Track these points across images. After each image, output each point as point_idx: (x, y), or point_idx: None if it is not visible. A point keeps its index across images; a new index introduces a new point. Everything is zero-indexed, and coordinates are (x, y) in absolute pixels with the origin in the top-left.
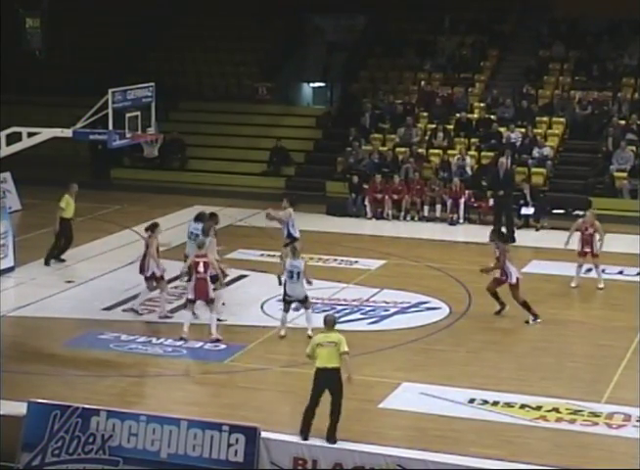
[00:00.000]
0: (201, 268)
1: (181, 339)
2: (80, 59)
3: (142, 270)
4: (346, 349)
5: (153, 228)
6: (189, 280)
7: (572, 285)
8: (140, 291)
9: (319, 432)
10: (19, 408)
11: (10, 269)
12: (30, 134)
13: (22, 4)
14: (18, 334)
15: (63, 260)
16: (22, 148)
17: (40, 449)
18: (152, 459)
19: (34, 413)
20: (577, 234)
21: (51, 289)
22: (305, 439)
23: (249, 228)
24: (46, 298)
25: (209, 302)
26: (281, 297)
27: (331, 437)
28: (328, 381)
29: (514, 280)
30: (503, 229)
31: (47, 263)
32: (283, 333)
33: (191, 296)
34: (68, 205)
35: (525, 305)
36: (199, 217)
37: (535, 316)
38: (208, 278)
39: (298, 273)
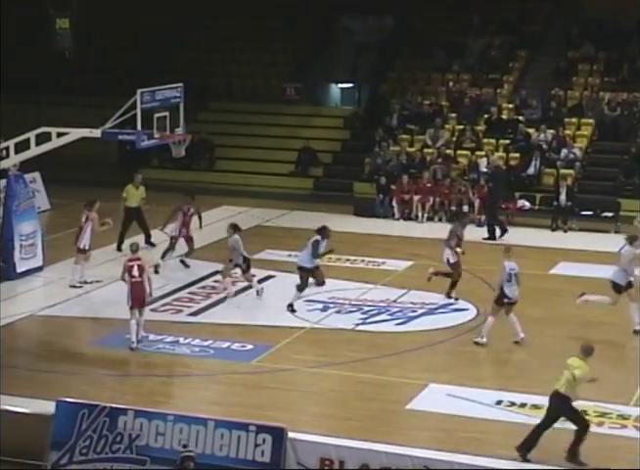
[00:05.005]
0: (135, 272)
1: (131, 349)
2: (109, 59)
3: (76, 242)
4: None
5: (92, 204)
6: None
7: None
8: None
9: (346, 433)
10: (47, 407)
11: (38, 269)
12: (60, 134)
13: (52, 5)
14: (46, 333)
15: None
16: (51, 148)
17: (68, 448)
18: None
19: (63, 412)
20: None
21: (79, 289)
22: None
23: (276, 229)
24: (74, 297)
25: (144, 306)
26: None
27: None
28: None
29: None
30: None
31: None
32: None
33: (131, 303)
34: None
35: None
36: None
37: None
38: (144, 282)
39: None
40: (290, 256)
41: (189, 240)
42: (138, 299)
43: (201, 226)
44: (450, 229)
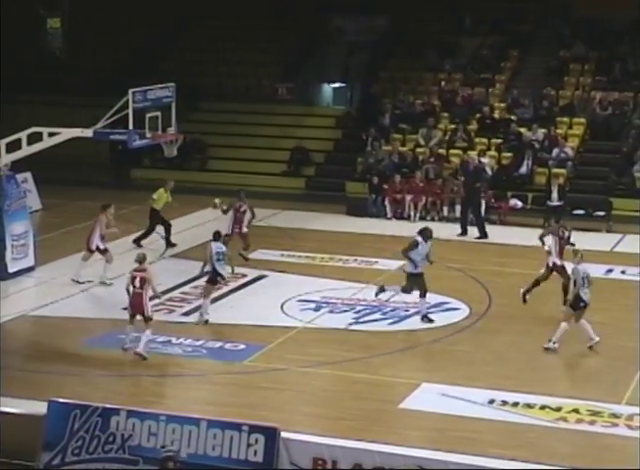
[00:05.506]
0: (137, 283)
1: (123, 349)
2: (101, 59)
3: (87, 241)
4: None
5: (106, 207)
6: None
7: None
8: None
9: (339, 432)
10: (39, 408)
11: (30, 269)
12: (51, 134)
13: (42, 5)
14: (38, 333)
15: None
16: (42, 148)
17: (60, 449)
18: None
19: (55, 413)
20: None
21: (71, 288)
22: None
23: (268, 228)
24: (66, 297)
25: (146, 318)
26: (301, 297)
27: None
28: None
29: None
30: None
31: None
32: None
33: (130, 311)
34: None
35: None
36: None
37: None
38: (145, 293)
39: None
40: (282, 255)
41: (243, 236)
42: (135, 307)
43: (254, 216)
44: (551, 232)
